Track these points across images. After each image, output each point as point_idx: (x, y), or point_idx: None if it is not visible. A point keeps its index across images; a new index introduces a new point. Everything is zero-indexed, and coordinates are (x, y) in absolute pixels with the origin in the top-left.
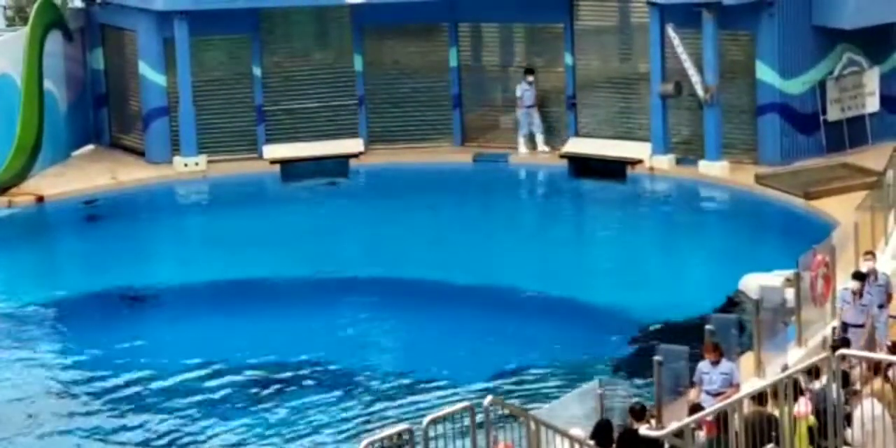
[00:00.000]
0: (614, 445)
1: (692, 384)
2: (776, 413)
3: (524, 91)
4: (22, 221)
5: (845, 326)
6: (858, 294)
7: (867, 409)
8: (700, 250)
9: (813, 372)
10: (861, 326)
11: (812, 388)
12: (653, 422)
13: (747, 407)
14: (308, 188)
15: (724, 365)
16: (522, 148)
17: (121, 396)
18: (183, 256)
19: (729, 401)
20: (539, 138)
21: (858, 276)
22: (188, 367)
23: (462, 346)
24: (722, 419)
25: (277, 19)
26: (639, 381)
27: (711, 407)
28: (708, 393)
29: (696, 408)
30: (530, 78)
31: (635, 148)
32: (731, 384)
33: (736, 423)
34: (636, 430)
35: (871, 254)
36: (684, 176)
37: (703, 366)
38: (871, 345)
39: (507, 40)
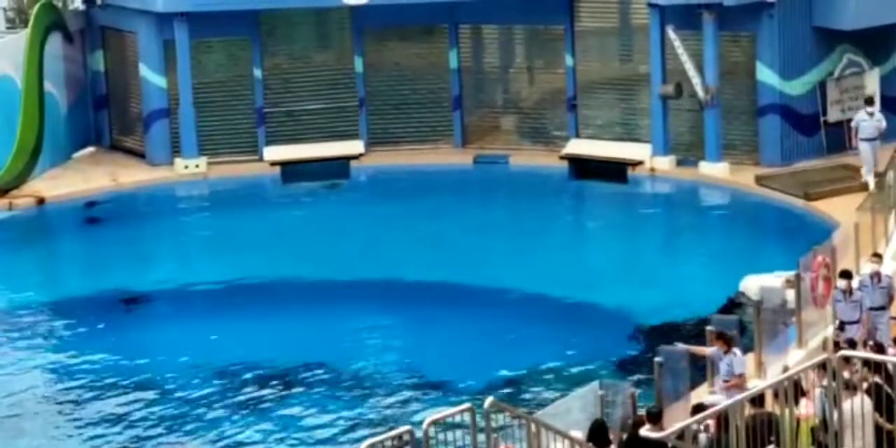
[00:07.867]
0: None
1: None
2: (776, 412)
3: (861, 121)
4: (22, 223)
5: (842, 325)
6: (849, 292)
7: (856, 405)
8: (701, 251)
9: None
10: (856, 323)
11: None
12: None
13: (746, 410)
14: (308, 190)
15: (729, 356)
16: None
17: (121, 399)
18: (183, 258)
19: (730, 402)
20: None
21: (845, 274)
22: (188, 369)
23: (463, 348)
24: (723, 418)
25: (278, 21)
26: (639, 383)
27: (714, 404)
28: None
29: (698, 408)
30: (871, 109)
31: (636, 149)
32: (734, 374)
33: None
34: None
35: (878, 256)
36: (685, 177)
37: (717, 354)
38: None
39: (507, 42)
